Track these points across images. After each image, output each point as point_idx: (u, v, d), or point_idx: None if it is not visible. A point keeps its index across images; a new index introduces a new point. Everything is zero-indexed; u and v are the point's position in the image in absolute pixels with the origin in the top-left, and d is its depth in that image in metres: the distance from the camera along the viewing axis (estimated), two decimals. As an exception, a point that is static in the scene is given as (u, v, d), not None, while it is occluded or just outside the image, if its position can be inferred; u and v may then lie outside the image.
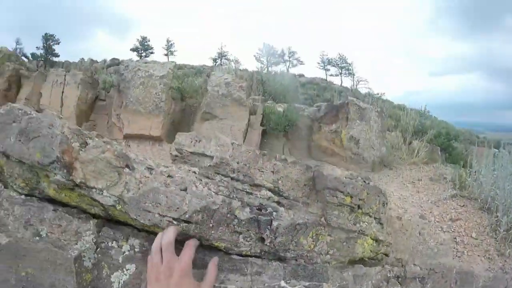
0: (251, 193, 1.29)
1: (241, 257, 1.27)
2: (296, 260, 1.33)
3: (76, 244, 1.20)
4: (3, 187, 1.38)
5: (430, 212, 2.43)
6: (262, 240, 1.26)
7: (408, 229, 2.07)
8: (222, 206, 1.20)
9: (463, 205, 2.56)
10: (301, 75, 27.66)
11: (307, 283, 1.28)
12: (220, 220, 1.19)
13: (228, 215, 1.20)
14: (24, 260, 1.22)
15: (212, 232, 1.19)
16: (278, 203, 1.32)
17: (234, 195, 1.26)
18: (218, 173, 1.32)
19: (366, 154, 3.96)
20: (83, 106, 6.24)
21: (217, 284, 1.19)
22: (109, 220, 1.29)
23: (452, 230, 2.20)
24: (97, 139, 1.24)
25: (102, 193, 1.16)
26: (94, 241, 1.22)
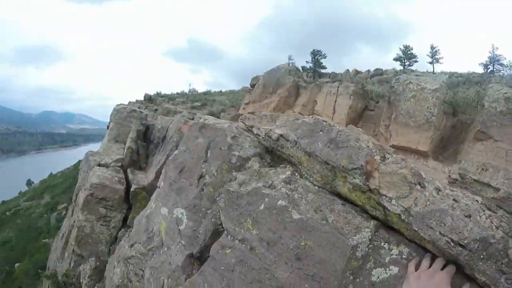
0: (526, 237, 1.27)
1: None
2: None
3: (355, 235, 1.50)
4: (299, 176, 1.86)
5: None
6: (522, 287, 1.22)
7: None
8: (499, 242, 1.23)
9: None
10: None
11: None
12: (492, 255, 1.23)
13: (501, 252, 1.23)
14: (308, 234, 1.60)
15: (480, 263, 1.24)
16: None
17: (512, 234, 1.27)
18: (501, 207, 1.36)
19: None
20: (353, 115, 7.08)
21: None
22: (384, 225, 1.53)
23: None
24: (394, 155, 1.53)
25: (391, 201, 1.42)
26: (369, 238, 1.49)
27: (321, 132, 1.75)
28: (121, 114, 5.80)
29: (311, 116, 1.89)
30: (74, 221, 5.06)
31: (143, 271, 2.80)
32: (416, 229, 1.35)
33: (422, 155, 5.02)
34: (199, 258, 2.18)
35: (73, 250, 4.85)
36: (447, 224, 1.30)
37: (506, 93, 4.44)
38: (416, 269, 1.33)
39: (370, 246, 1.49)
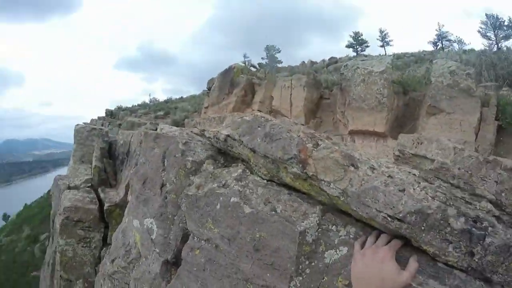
0: (470, 203, 1.29)
1: (446, 266, 1.28)
2: (503, 286, 1.21)
3: (303, 222, 1.55)
4: (249, 172, 1.92)
5: None
6: (472, 254, 1.21)
7: None
8: (437, 212, 1.24)
9: None
10: (543, 49, 21.12)
11: (506, 315, 1.17)
12: (433, 225, 1.24)
13: (442, 222, 1.23)
14: (260, 226, 1.66)
15: (423, 235, 1.25)
16: (498, 218, 1.26)
17: (451, 203, 1.27)
18: (438, 178, 1.38)
19: None
20: (310, 105, 7.10)
21: (414, 284, 1.25)
22: (332, 208, 1.58)
23: None
24: (326, 141, 1.58)
25: (329, 185, 1.46)
26: (317, 222, 1.54)
27: (259, 128, 1.82)
28: (82, 134, 5.72)
29: (251, 113, 1.95)
30: (56, 247, 5.02)
31: (128, 284, 2.85)
32: (354, 209, 1.39)
33: (380, 136, 5.14)
34: (175, 263, 2.24)
35: (60, 276, 4.81)
36: (380, 201, 1.33)
37: (450, 66, 4.58)
38: (363, 247, 1.36)
39: (319, 230, 1.54)
